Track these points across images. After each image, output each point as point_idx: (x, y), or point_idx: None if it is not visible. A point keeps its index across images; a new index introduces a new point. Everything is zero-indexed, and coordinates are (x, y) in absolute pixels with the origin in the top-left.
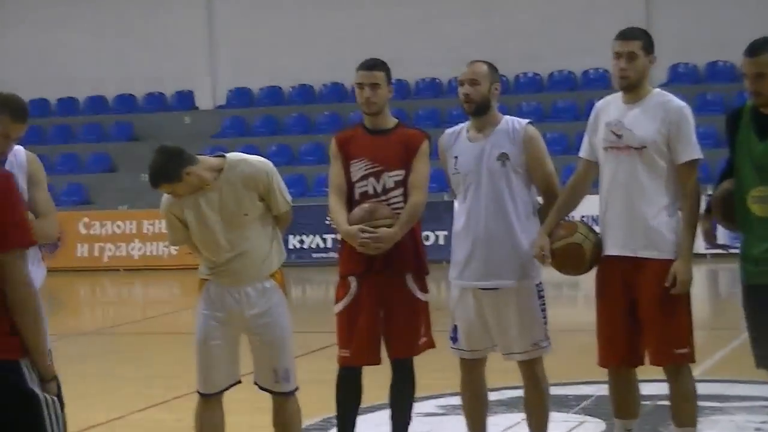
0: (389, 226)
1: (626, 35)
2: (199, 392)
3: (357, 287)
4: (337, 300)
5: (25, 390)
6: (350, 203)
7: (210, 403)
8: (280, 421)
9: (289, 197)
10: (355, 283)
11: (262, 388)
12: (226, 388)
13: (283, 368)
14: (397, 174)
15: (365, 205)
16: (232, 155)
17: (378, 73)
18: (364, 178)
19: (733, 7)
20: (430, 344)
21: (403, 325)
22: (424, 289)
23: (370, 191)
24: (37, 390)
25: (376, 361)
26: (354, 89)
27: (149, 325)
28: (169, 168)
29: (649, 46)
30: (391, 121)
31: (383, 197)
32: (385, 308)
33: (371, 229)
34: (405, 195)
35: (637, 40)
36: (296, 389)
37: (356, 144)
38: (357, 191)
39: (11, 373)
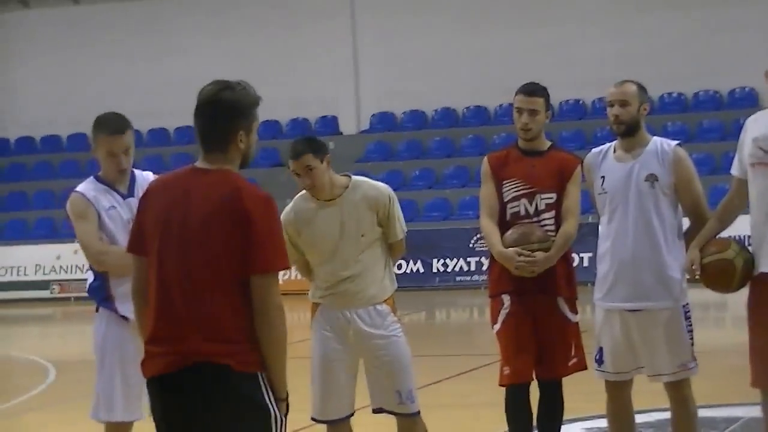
0: (545, 249)
1: None
2: (316, 419)
3: (510, 303)
4: (493, 319)
5: (260, 402)
6: (501, 224)
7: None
8: None
9: (404, 227)
10: (509, 300)
11: (383, 411)
12: (345, 418)
13: (406, 389)
14: (550, 196)
15: (520, 228)
16: (357, 176)
17: (538, 99)
18: (516, 198)
19: None
20: (581, 365)
21: (555, 345)
22: (575, 310)
23: (522, 212)
24: (271, 405)
25: (531, 379)
26: (496, 112)
27: None
28: (317, 142)
29: None
30: (545, 144)
31: (535, 218)
32: (536, 328)
33: (528, 252)
34: (556, 218)
35: None
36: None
37: (510, 164)
38: (509, 211)
39: (250, 384)
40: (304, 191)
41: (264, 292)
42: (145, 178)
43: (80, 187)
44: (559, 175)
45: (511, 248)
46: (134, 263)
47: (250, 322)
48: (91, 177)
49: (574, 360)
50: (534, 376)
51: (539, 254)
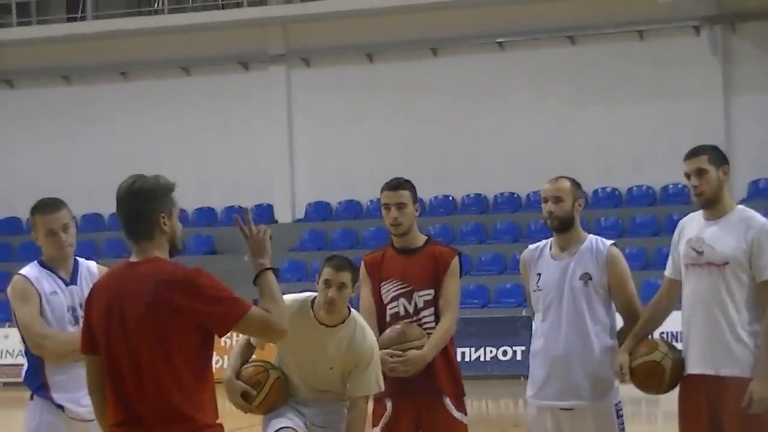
0: (419, 348)
1: (691, 153)
2: None
3: (392, 409)
4: (374, 423)
5: None
6: (381, 325)
7: None
8: None
9: (380, 383)
10: (391, 404)
11: None
12: None
13: None
14: (428, 293)
15: (396, 327)
16: (358, 314)
17: (403, 192)
18: (395, 299)
19: None
20: None
21: None
22: (462, 410)
23: (402, 312)
24: None
25: None
26: (431, 203)
27: None
28: (355, 265)
29: (717, 159)
30: (420, 239)
31: (414, 317)
32: (423, 430)
33: (399, 353)
34: (436, 314)
35: (704, 154)
36: None
37: (385, 264)
38: (388, 312)
39: None
40: (304, 303)
41: (258, 323)
42: (89, 267)
43: (24, 270)
44: (435, 271)
45: (384, 350)
46: (88, 363)
47: (206, 403)
48: (35, 261)
49: None
50: None
51: (411, 353)
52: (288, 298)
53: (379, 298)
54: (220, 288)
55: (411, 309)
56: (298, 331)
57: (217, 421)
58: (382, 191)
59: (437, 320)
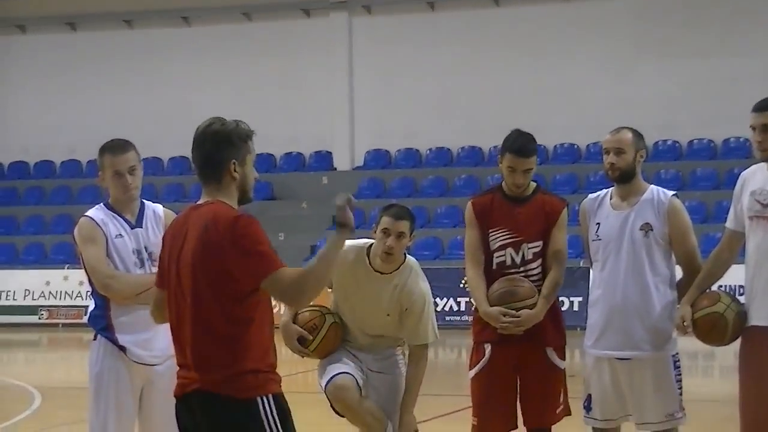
0: (532, 306)
1: (761, 107)
2: None
3: (491, 353)
4: (471, 365)
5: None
6: (487, 273)
7: None
8: None
9: (436, 332)
10: (490, 350)
11: None
12: None
13: None
14: (536, 245)
15: (506, 285)
16: (414, 260)
17: (532, 159)
18: (502, 248)
19: None
20: (567, 412)
21: (542, 393)
22: (563, 357)
23: (508, 262)
24: (269, 427)
25: (512, 428)
26: (491, 152)
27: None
28: (414, 217)
29: None
30: (530, 187)
31: (522, 268)
32: (522, 375)
33: (513, 312)
34: (543, 265)
35: None
36: None
37: (495, 211)
38: (495, 261)
39: (240, 413)
40: (360, 250)
41: (279, 288)
42: (155, 210)
43: (90, 213)
44: (545, 222)
45: (495, 308)
46: (156, 294)
47: (247, 349)
48: (101, 204)
49: (562, 407)
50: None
51: (524, 312)
52: (346, 244)
53: (486, 244)
54: (259, 242)
55: (518, 260)
56: (353, 277)
57: (270, 366)
58: (508, 152)
59: (543, 271)
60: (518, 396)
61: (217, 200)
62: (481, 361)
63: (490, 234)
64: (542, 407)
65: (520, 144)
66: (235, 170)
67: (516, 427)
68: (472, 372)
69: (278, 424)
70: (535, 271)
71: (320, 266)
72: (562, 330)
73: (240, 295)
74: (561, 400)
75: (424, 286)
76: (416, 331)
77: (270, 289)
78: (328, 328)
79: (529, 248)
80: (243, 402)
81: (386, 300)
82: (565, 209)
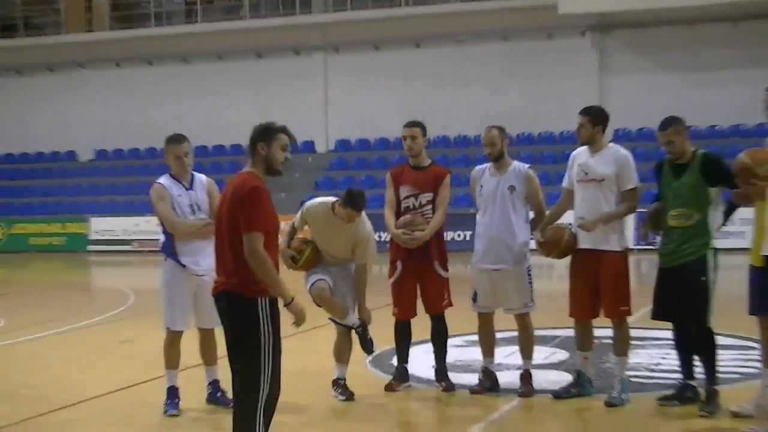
0: (422, 230)
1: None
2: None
3: (401, 268)
4: (389, 276)
5: (254, 316)
6: (398, 213)
7: None
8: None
9: (375, 257)
10: (400, 266)
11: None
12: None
13: None
14: (429, 195)
15: (407, 216)
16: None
17: (416, 129)
18: (407, 197)
19: (659, 89)
20: (450, 304)
21: (433, 292)
22: (446, 269)
23: (411, 206)
24: (263, 319)
25: (414, 315)
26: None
27: None
28: (365, 201)
29: (596, 120)
30: (426, 161)
31: (419, 210)
32: (421, 282)
33: (410, 232)
34: (433, 209)
35: (587, 115)
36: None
37: (404, 175)
38: (402, 205)
39: (248, 305)
40: (327, 205)
41: (248, 244)
42: (201, 178)
43: (160, 180)
44: (434, 182)
45: (399, 229)
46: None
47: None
48: (167, 174)
49: (446, 301)
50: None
51: (417, 233)
52: (318, 199)
53: (398, 195)
54: (256, 205)
55: (417, 204)
56: (324, 224)
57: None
58: (403, 127)
59: (434, 213)
60: (419, 294)
61: (249, 171)
62: (395, 273)
63: (400, 189)
64: (435, 301)
65: (409, 121)
66: (262, 149)
67: (416, 314)
68: (391, 280)
69: (268, 316)
70: (428, 211)
71: (266, 276)
72: (445, 251)
73: None
74: (446, 296)
75: (369, 228)
76: (363, 256)
77: (244, 240)
78: (309, 252)
79: (424, 197)
80: (249, 299)
81: (344, 237)
82: (449, 175)
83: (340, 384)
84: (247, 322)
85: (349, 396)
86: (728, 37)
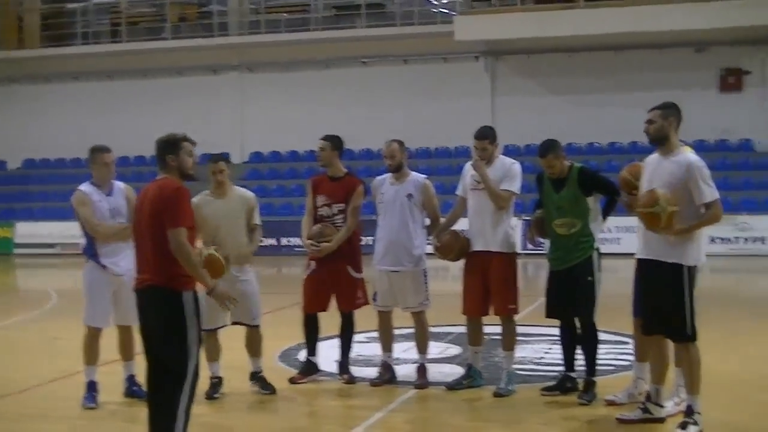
0: (329, 241)
1: (479, 136)
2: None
3: (315, 267)
4: (305, 271)
5: (179, 308)
6: (315, 219)
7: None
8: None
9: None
10: (314, 265)
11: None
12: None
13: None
14: (341, 205)
15: (317, 227)
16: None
17: (324, 141)
18: (322, 206)
19: (544, 109)
20: (366, 302)
21: (347, 290)
22: (359, 270)
23: (325, 215)
24: (185, 313)
25: (324, 309)
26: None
27: None
28: (227, 160)
29: (494, 140)
30: (342, 171)
31: (331, 218)
32: (334, 283)
33: (317, 244)
34: (345, 218)
35: (486, 139)
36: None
37: (321, 185)
38: (318, 213)
39: (173, 298)
40: (205, 194)
41: (174, 238)
42: (119, 185)
43: (81, 187)
44: (346, 193)
45: (309, 240)
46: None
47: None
48: (88, 181)
49: (361, 299)
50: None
51: (324, 245)
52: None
53: (315, 203)
54: (180, 204)
55: (331, 213)
56: (212, 207)
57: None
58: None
59: (345, 220)
60: (332, 292)
61: (167, 177)
62: (309, 271)
63: (317, 197)
64: (348, 299)
65: (324, 137)
66: (171, 161)
67: (327, 309)
68: (304, 276)
69: (193, 309)
70: (340, 220)
71: (191, 267)
72: (358, 255)
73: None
74: (360, 295)
75: (250, 194)
76: (256, 216)
77: (169, 236)
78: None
79: (336, 207)
80: (176, 293)
81: (237, 206)
82: (361, 186)
83: (258, 377)
84: (175, 315)
85: (272, 390)
86: (605, 64)
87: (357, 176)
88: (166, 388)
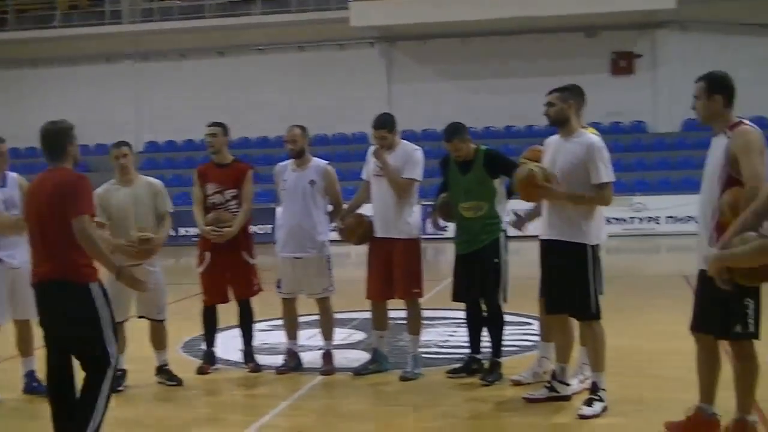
0: (230, 227)
1: (377, 126)
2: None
3: (210, 258)
4: (198, 265)
5: (88, 301)
6: (206, 208)
7: None
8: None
9: (171, 207)
10: (209, 256)
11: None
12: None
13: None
14: (233, 191)
15: (215, 215)
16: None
17: (215, 128)
18: (214, 194)
19: (439, 95)
20: (260, 290)
21: (243, 278)
22: (252, 256)
23: (217, 201)
24: (97, 305)
25: (225, 301)
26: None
27: None
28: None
29: (393, 128)
30: (229, 158)
31: (224, 205)
32: (230, 271)
33: (218, 229)
34: (238, 203)
35: (384, 128)
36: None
37: (209, 173)
38: (209, 201)
39: (80, 291)
40: (112, 183)
41: (79, 226)
42: (13, 176)
43: None
44: (237, 178)
45: (208, 226)
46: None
47: (83, 252)
48: None
49: (256, 286)
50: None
51: (226, 230)
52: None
53: (205, 192)
54: (84, 192)
55: (223, 200)
56: (118, 197)
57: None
58: (206, 126)
59: (239, 207)
60: (228, 282)
61: (64, 167)
62: (204, 262)
63: (207, 186)
64: (245, 286)
65: (211, 122)
66: (71, 148)
67: (227, 300)
68: (200, 269)
69: (103, 297)
70: (234, 206)
71: (97, 253)
72: (251, 241)
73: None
74: (255, 282)
75: (158, 182)
76: (166, 203)
77: (74, 224)
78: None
79: (228, 193)
80: (82, 286)
81: (144, 192)
82: (250, 171)
83: (164, 370)
84: (86, 307)
85: (178, 382)
86: (499, 49)
87: (244, 162)
88: (89, 378)
